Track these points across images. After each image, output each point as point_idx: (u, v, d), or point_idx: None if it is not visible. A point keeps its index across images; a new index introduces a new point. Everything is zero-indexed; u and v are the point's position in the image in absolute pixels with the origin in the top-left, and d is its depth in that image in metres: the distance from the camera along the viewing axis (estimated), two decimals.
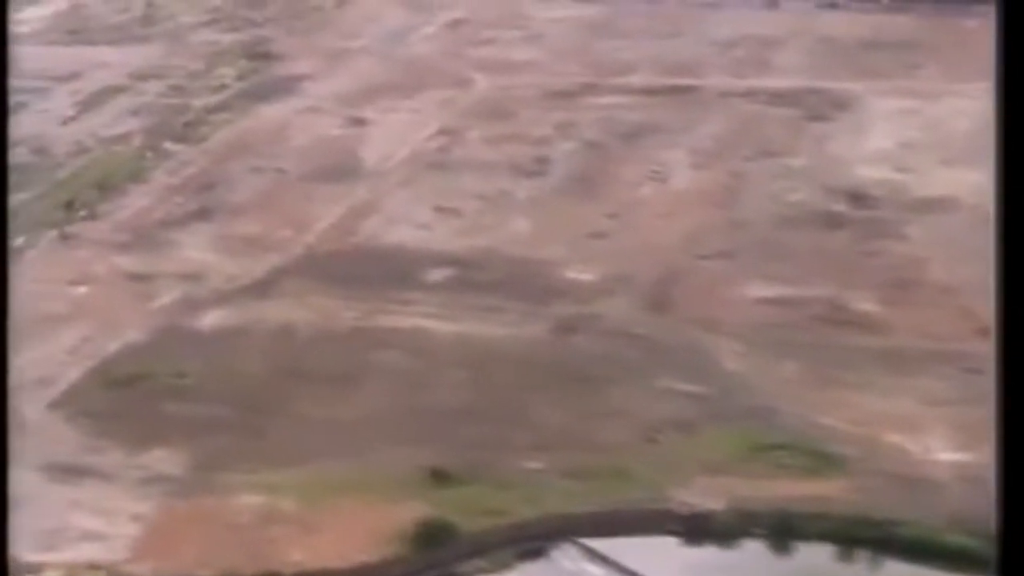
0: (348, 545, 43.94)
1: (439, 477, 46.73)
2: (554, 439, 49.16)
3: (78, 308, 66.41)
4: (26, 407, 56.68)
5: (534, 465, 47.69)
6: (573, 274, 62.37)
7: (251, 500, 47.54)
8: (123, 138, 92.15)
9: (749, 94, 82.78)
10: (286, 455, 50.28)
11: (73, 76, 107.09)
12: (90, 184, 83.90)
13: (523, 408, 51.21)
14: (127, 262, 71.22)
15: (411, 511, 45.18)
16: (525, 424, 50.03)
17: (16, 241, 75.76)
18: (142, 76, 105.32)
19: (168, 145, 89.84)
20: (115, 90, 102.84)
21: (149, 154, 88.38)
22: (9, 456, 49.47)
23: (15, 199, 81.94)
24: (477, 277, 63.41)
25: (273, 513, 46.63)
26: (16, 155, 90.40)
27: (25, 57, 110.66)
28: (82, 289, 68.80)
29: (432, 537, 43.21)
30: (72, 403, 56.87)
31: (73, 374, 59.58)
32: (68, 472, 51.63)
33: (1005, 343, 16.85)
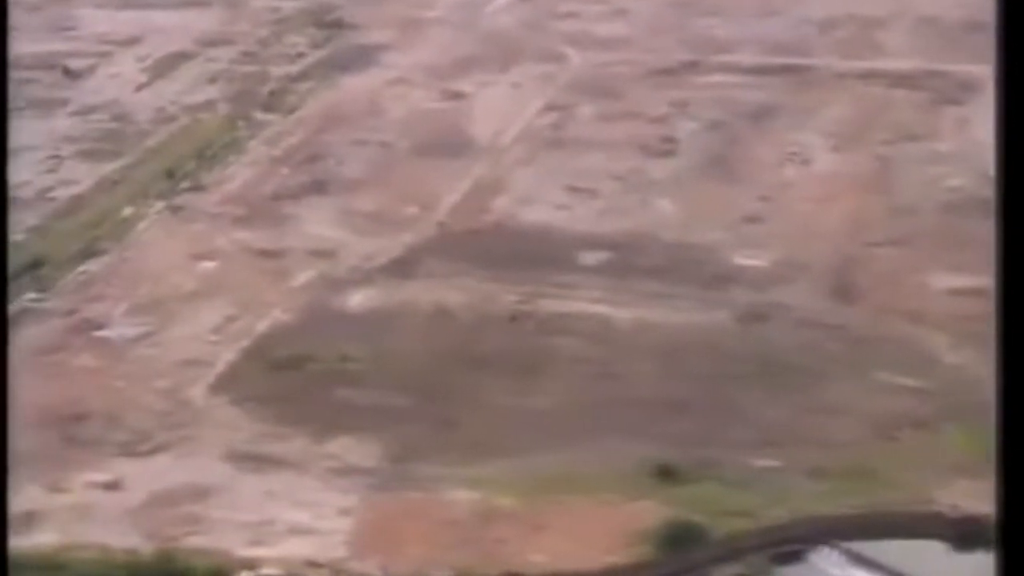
0: (587, 545, 41.71)
1: (665, 474, 44.56)
2: (780, 435, 47.01)
3: (210, 284, 63.80)
4: (187, 390, 54.20)
5: (767, 463, 45.53)
6: (741, 259, 60.17)
7: (464, 495, 45.21)
8: (207, 106, 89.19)
9: (866, 76, 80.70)
10: (485, 447, 47.97)
11: (134, 40, 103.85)
12: (187, 154, 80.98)
13: (731, 401, 49.03)
14: (250, 237, 68.58)
15: (647, 510, 42.89)
16: (740, 418, 47.90)
17: (124, 211, 73.03)
18: (209, 42, 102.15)
19: (257, 114, 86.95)
20: (184, 56, 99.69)
21: (241, 123, 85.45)
22: (160, 440, 46.68)
23: (109, 166, 79.11)
24: (637, 261, 61.19)
25: (492, 510, 44.31)
26: (95, 120, 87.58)
27: (80, 20, 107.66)
28: (209, 264, 66.09)
29: (680, 538, 41.05)
30: (236, 386, 54.31)
31: (227, 355, 56.97)
32: (255, 461, 49.14)
33: (1006, 342, 16.78)
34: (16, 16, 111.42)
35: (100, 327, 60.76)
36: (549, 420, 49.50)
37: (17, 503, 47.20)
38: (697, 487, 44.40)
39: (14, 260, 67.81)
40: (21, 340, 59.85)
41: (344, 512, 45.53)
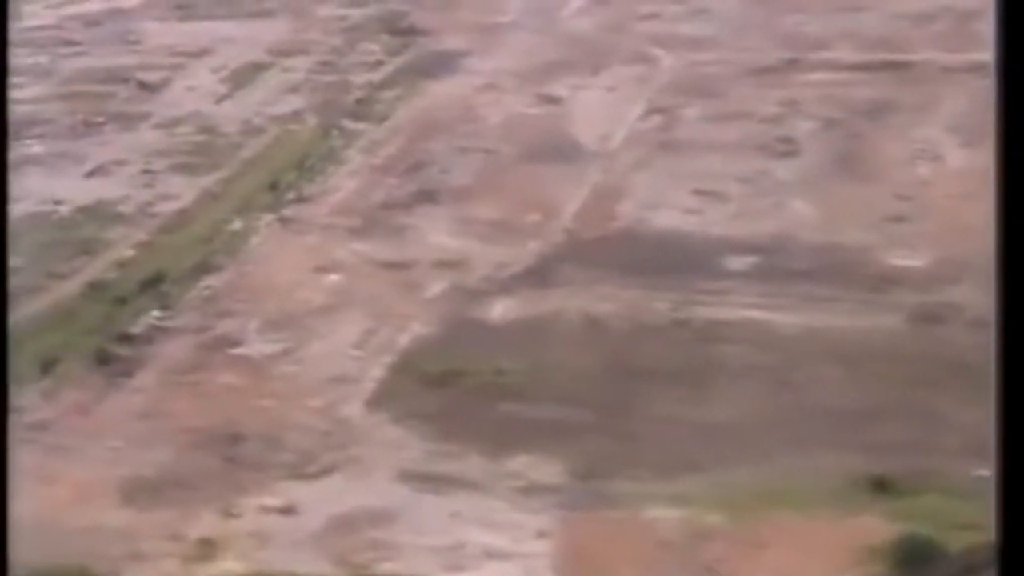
0: (815, 564, 39.88)
1: (881, 486, 42.73)
2: (988, 441, 45.01)
3: (340, 298, 62.11)
4: (341, 408, 52.42)
5: (984, 471, 43.62)
6: (896, 260, 58.38)
7: (668, 513, 43.40)
8: (294, 116, 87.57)
9: (973, 69, 78.78)
10: (677, 462, 46.20)
11: (204, 52, 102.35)
12: (285, 165, 79.33)
13: (928, 407, 47.20)
14: (369, 248, 66.97)
15: (871, 525, 41.06)
16: (943, 424, 46.05)
17: (233, 225, 71.30)
18: (282, 52, 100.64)
19: (348, 123, 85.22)
20: (259, 66, 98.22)
21: (334, 133, 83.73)
22: (326, 461, 44.81)
23: (207, 179, 77.32)
24: (786, 265, 59.43)
25: (703, 528, 42.46)
26: (181, 133, 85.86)
27: (144, 33, 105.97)
28: (334, 277, 64.34)
29: (917, 555, 39.13)
30: (392, 404, 52.57)
31: (374, 371, 55.22)
32: (431, 481, 47.32)
33: (1006, 344, 16.58)
34: (78, 32, 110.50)
35: (236, 344, 59.01)
36: (736, 432, 47.72)
37: (194, 529, 45.67)
38: (918, 499, 42.59)
39: (129, 276, 66.16)
40: (156, 359, 58.20)
41: (541, 534, 43.72)
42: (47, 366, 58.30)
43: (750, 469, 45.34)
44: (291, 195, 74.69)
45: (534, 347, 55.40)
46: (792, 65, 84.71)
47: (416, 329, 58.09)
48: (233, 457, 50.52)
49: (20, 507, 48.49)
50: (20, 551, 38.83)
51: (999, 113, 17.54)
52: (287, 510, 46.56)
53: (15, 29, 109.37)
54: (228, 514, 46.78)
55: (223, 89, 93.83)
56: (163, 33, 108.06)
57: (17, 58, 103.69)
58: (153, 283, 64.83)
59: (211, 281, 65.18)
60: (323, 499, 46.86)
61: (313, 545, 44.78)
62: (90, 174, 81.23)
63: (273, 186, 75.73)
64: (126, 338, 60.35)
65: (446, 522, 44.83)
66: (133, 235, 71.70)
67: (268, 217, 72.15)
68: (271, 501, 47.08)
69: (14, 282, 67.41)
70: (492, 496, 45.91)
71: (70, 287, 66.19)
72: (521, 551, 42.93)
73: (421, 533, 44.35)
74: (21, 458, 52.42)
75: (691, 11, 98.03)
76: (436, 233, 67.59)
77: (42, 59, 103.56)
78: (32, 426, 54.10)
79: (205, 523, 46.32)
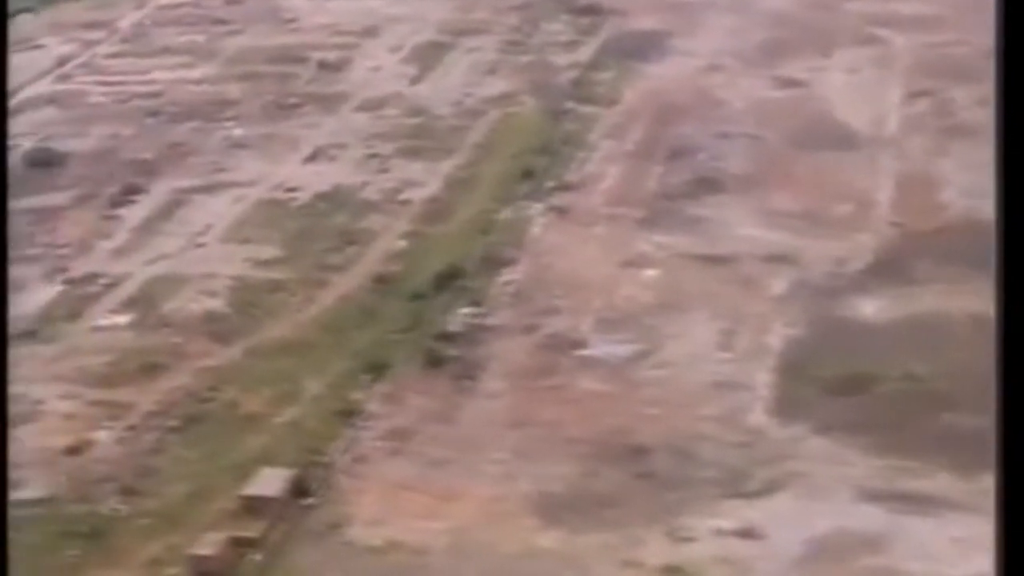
0: None
1: None
2: None
3: (668, 295, 57.42)
4: (745, 417, 47.60)
5: None
6: None
7: None
8: (508, 99, 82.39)
9: None
10: None
11: (371, 32, 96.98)
12: (527, 150, 74.21)
13: None
14: (672, 241, 62.40)
15: None
16: None
17: (502, 214, 66.34)
18: (457, 32, 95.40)
19: (574, 106, 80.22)
20: (438, 46, 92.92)
21: (565, 116, 78.72)
22: (763, 478, 39.85)
23: (445, 165, 72.19)
24: None
25: None
26: (390, 116, 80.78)
27: (296, 11, 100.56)
28: (651, 272, 59.45)
29: None
30: (798, 412, 48.01)
31: (759, 375, 50.49)
32: (903, 501, 42.52)
33: (1006, 344, 16.52)
34: (220, 10, 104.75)
35: (578, 345, 54.03)
36: None
37: (648, 554, 40.80)
38: None
39: (417, 269, 61.12)
40: (494, 361, 53.28)
41: None
42: (375, 368, 53.13)
43: None
44: (550, 183, 69.45)
45: (932, 350, 50.57)
46: None
47: (781, 330, 53.19)
48: (645, 472, 45.59)
49: (423, 524, 43.84)
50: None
51: (999, 113, 16.83)
52: (747, 533, 41.64)
53: (151, 7, 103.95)
54: (678, 537, 41.85)
55: (411, 70, 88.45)
56: (315, 12, 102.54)
57: (167, 37, 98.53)
58: (448, 278, 59.64)
59: (510, 275, 60.08)
60: (784, 521, 41.96)
61: (797, 573, 39.85)
62: (310, 159, 75.88)
63: (528, 173, 70.48)
64: (447, 337, 55.25)
65: (948, 548, 39.93)
66: (394, 224, 66.50)
67: (537, 206, 67.04)
68: (724, 523, 42.09)
69: (283, 270, 62.25)
70: (987, 519, 40.85)
71: (352, 280, 61.02)
72: None
73: (929, 560, 39.48)
74: (387, 470, 47.43)
75: None
76: (741, 225, 62.79)
77: (197, 38, 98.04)
78: (390, 434, 49.04)
79: (656, 547, 41.47)
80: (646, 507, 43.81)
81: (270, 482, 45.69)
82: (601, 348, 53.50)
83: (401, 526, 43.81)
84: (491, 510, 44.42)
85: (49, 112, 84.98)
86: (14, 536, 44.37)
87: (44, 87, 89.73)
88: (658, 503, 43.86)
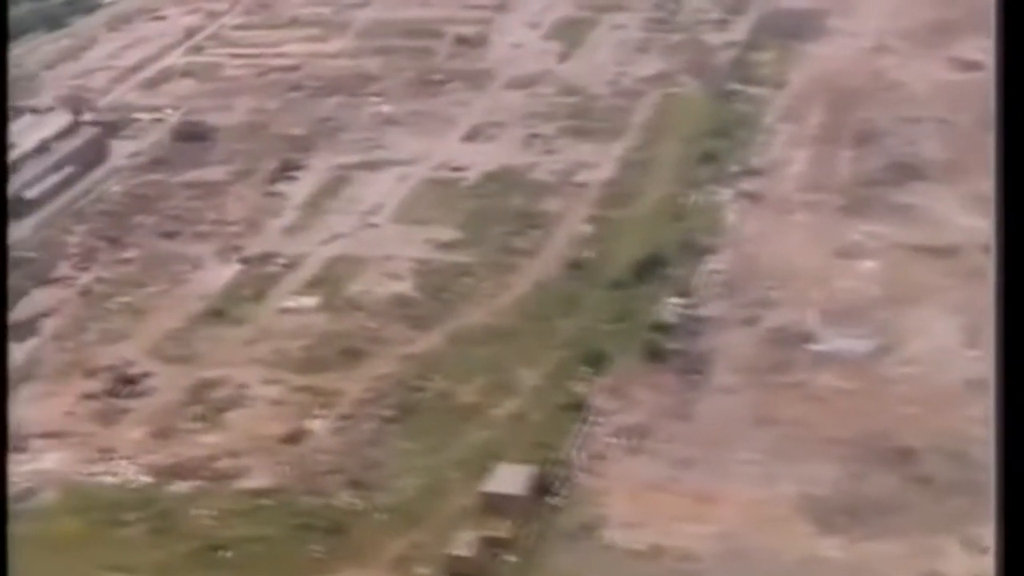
0: None
1: None
2: None
3: (893, 288, 54.03)
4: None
5: None
6: None
7: None
8: (665, 78, 78.88)
9: None
10: None
11: (504, 6, 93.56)
12: (703, 133, 70.63)
13: None
14: (884, 230, 58.74)
15: None
16: None
17: (690, 199, 62.90)
18: (597, 8, 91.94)
19: (741, 88, 76.64)
20: (577, 22, 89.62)
21: (735, 98, 75.21)
22: (969, 479, 36.30)
23: (616, 147, 68.86)
24: None
25: None
26: (545, 95, 77.50)
27: None
28: (870, 264, 55.98)
29: None
30: None
31: None
32: None
33: (1006, 345, 16.48)
34: None
35: (807, 339, 50.53)
36: None
37: (947, 565, 37.47)
38: None
39: (612, 256, 57.79)
40: (720, 355, 49.93)
41: None
42: (593, 360, 49.75)
43: None
44: (734, 167, 65.95)
45: None
46: None
47: None
48: (919, 476, 42.11)
49: (685, 528, 40.50)
50: None
51: (999, 112, 17.34)
52: None
53: None
54: (977, 548, 38.33)
55: (556, 47, 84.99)
56: None
57: (294, 8, 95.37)
58: (649, 265, 56.22)
59: (714, 264, 56.63)
60: None
61: None
62: (469, 137, 72.58)
63: (708, 157, 66.98)
64: (663, 329, 51.83)
65: None
66: (576, 208, 63.17)
67: (726, 191, 63.53)
68: None
69: (467, 253, 58.91)
70: None
71: (544, 266, 57.71)
72: None
73: None
74: (630, 469, 44.04)
75: None
76: (955, 213, 59.07)
77: (324, 10, 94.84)
78: (624, 431, 45.68)
79: (957, 559, 37.97)
80: (930, 514, 40.37)
81: (511, 479, 42.42)
82: (835, 343, 49.98)
83: (660, 529, 40.54)
84: (757, 514, 41.04)
85: (188, 84, 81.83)
86: (242, 524, 41.50)
87: (177, 58, 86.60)
88: (942, 510, 40.37)
